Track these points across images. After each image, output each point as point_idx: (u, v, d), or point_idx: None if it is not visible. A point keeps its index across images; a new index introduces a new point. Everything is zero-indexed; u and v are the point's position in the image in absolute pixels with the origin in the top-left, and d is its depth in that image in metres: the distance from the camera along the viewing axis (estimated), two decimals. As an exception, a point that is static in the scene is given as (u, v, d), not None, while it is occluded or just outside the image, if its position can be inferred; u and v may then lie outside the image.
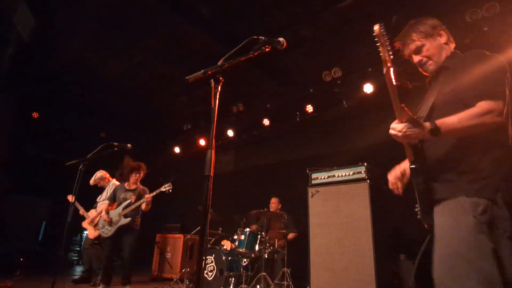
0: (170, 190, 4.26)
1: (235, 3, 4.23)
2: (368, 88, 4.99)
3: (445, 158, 1.41)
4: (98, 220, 4.94)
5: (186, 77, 1.46)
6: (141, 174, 4.57)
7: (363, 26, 4.16)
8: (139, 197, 4.33)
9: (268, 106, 6.35)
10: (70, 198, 5.29)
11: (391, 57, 1.29)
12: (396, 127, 1.34)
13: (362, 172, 3.80)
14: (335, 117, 5.88)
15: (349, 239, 3.60)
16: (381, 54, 1.27)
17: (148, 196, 4.20)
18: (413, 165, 1.47)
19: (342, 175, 3.96)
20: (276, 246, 4.82)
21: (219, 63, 1.47)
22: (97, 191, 5.37)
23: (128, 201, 4.30)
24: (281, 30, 4.53)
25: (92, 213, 5.17)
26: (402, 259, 3.91)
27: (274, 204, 5.45)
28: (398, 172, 1.67)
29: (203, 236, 1.14)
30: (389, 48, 1.27)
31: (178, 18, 4.43)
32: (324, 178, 4.11)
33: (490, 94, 1.31)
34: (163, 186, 4.26)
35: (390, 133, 1.38)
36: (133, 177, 4.48)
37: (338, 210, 3.81)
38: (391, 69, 1.29)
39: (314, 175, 4.24)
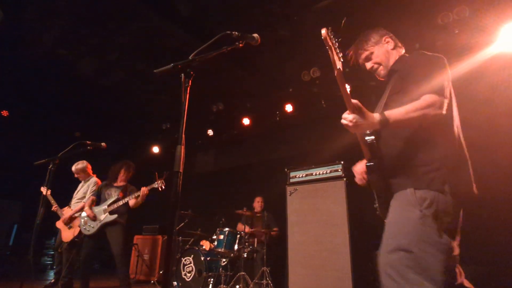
0: (163, 187, 3.86)
1: (214, 1, 4.19)
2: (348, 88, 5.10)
3: (398, 154, 1.50)
4: (71, 218, 4.69)
5: (155, 71, 1.42)
6: (130, 172, 4.29)
7: (340, 26, 4.23)
8: (127, 194, 4.00)
9: (248, 105, 6.34)
10: (44, 190, 4.96)
11: (341, 60, 1.33)
12: (347, 117, 1.39)
13: (339, 170, 3.86)
14: (314, 117, 5.95)
15: (326, 236, 3.64)
16: (330, 56, 1.29)
17: (144, 189, 3.88)
18: (369, 162, 1.53)
19: (319, 173, 4.00)
20: (255, 245, 4.82)
21: (190, 57, 1.44)
22: (73, 188, 5.11)
23: (115, 197, 3.99)
24: (260, 29, 4.52)
25: (67, 211, 4.82)
26: (378, 255, 3.99)
27: (258, 203, 5.45)
28: (362, 167, 1.72)
29: (171, 235, 1.11)
30: (338, 51, 1.31)
31: (155, 15, 4.35)
32: (302, 176, 4.14)
33: (432, 90, 1.42)
34: (156, 183, 3.88)
35: (341, 122, 1.42)
36: (121, 175, 4.21)
37: (316, 207, 3.85)
38: (341, 71, 1.32)
39: (292, 174, 4.27)
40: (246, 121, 6.42)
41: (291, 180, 4.25)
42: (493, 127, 3.89)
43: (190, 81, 1.39)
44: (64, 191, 5.21)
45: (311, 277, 3.61)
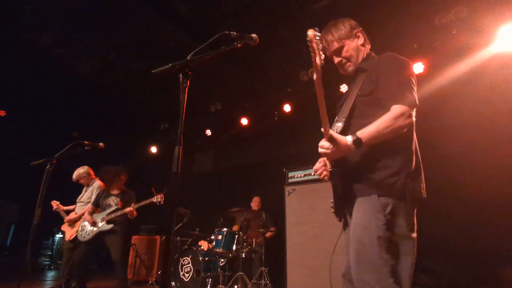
0: (162, 203, 3.84)
1: (213, 1, 4.19)
2: (344, 88, 5.11)
3: (362, 159, 1.52)
4: (76, 221, 4.71)
5: (153, 71, 1.42)
6: (123, 178, 4.25)
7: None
8: (126, 202, 4.02)
9: (247, 105, 6.34)
10: (54, 204, 5.07)
11: (323, 63, 1.29)
12: (324, 145, 1.41)
13: (338, 170, 3.86)
14: (312, 117, 5.93)
15: (325, 237, 3.64)
16: (312, 59, 1.25)
17: (128, 210, 3.87)
18: (332, 167, 1.56)
19: (318, 174, 4.00)
20: (253, 246, 4.81)
21: (189, 57, 1.44)
22: (75, 190, 5.12)
23: (114, 207, 3.99)
24: (259, 29, 4.52)
25: (71, 215, 4.83)
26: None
27: (255, 202, 5.45)
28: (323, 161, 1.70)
29: (169, 235, 1.11)
30: (321, 53, 1.27)
31: (154, 14, 4.34)
32: (301, 176, 4.14)
33: (402, 98, 1.44)
34: (154, 197, 3.87)
35: (319, 151, 1.44)
36: (116, 183, 4.18)
37: (314, 208, 3.84)
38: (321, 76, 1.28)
39: (290, 174, 4.27)
40: (244, 121, 6.40)
41: (290, 180, 4.25)
42: (493, 127, 3.90)
43: (188, 81, 1.39)
44: (64, 191, 5.21)
45: (310, 277, 3.61)
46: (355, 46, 1.72)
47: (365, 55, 1.73)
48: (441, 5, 3.95)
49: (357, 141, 1.38)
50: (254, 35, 1.63)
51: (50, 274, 7.19)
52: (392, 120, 1.39)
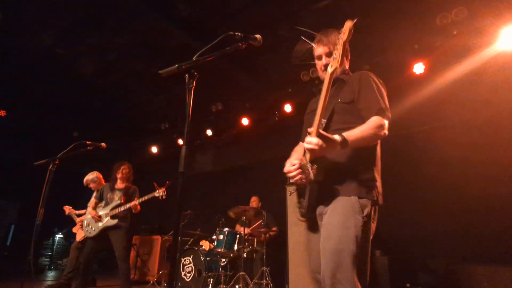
0: (164, 197, 3.86)
1: (213, 1, 4.19)
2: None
3: (343, 162, 1.63)
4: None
5: (160, 71, 1.43)
6: (129, 172, 4.26)
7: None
8: (129, 196, 4.03)
9: (247, 105, 6.34)
10: (67, 209, 5.16)
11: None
12: (312, 141, 1.44)
13: (339, 170, 3.86)
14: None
15: (326, 237, 3.64)
16: (339, 51, 1.34)
17: (132, 204, 3.89)
18: (315, 165, 1.61)
19: (319, 174, 4.00)
20: (255, 245, 4.82)
21: (194, 58, 1.45)
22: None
23: (117, 202, 3.99)
24: (260, 29, 4.52)
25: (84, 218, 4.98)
26: (377, 255, 4.00)
27: (254, 202, 5.47)
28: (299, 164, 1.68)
29: (177, 235, 1.11)
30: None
31: (155, 14, 4.34)
32: (302, 176, 4.14)
33: (381, 112, 1.59)
34: (157, 191, 3.88)
35: (306, 147, 1.48)
36: (120, 176, 4.19)
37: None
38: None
39: (292, 174, 4.27)
40: (245, 121, 6.41)
41: (291, 180, 4.25)
42: (494, 128, 3.91)
43: (194, 82, 1.40)
44: (65, 191, 5.24)
45: (311, 276, 3.61)
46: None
47: (344, 69, 1.89)
48: (441, 6, 3.96)
49: (344, 141, 1.47)
50: (258, 36, 1.64)
51: (50, 274, 7.19)
52: (375, 128, 1.53)
